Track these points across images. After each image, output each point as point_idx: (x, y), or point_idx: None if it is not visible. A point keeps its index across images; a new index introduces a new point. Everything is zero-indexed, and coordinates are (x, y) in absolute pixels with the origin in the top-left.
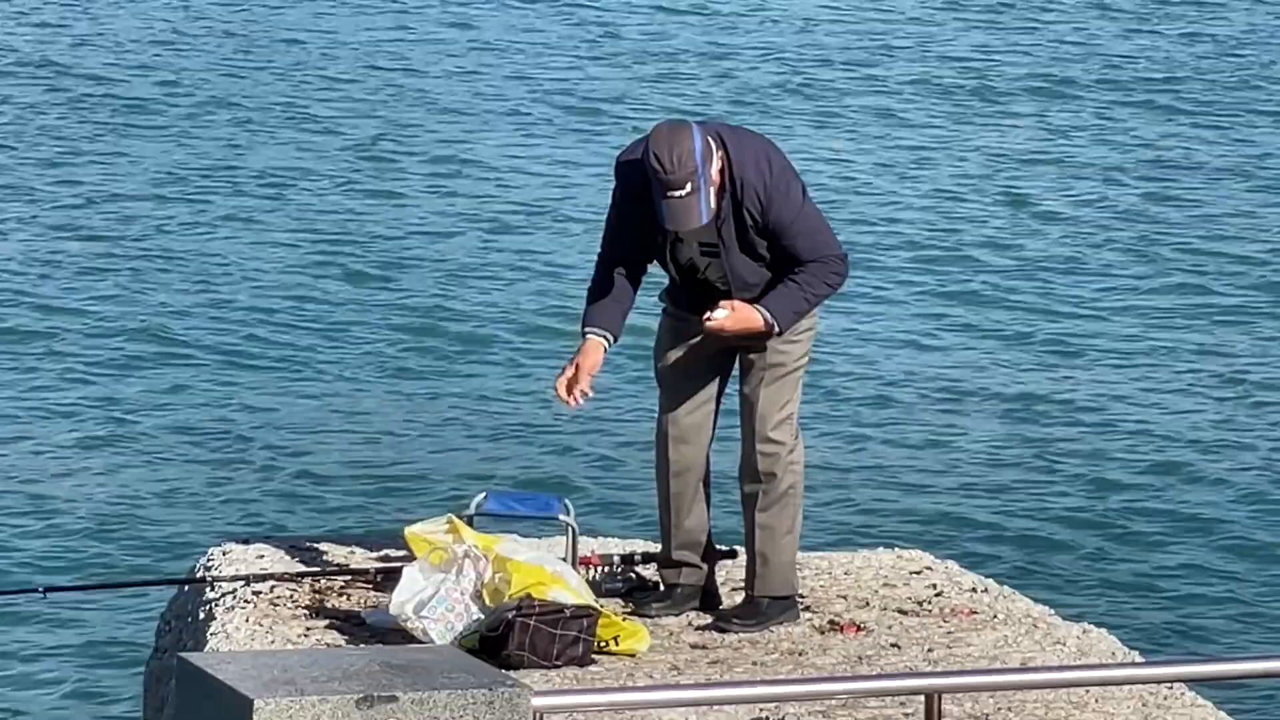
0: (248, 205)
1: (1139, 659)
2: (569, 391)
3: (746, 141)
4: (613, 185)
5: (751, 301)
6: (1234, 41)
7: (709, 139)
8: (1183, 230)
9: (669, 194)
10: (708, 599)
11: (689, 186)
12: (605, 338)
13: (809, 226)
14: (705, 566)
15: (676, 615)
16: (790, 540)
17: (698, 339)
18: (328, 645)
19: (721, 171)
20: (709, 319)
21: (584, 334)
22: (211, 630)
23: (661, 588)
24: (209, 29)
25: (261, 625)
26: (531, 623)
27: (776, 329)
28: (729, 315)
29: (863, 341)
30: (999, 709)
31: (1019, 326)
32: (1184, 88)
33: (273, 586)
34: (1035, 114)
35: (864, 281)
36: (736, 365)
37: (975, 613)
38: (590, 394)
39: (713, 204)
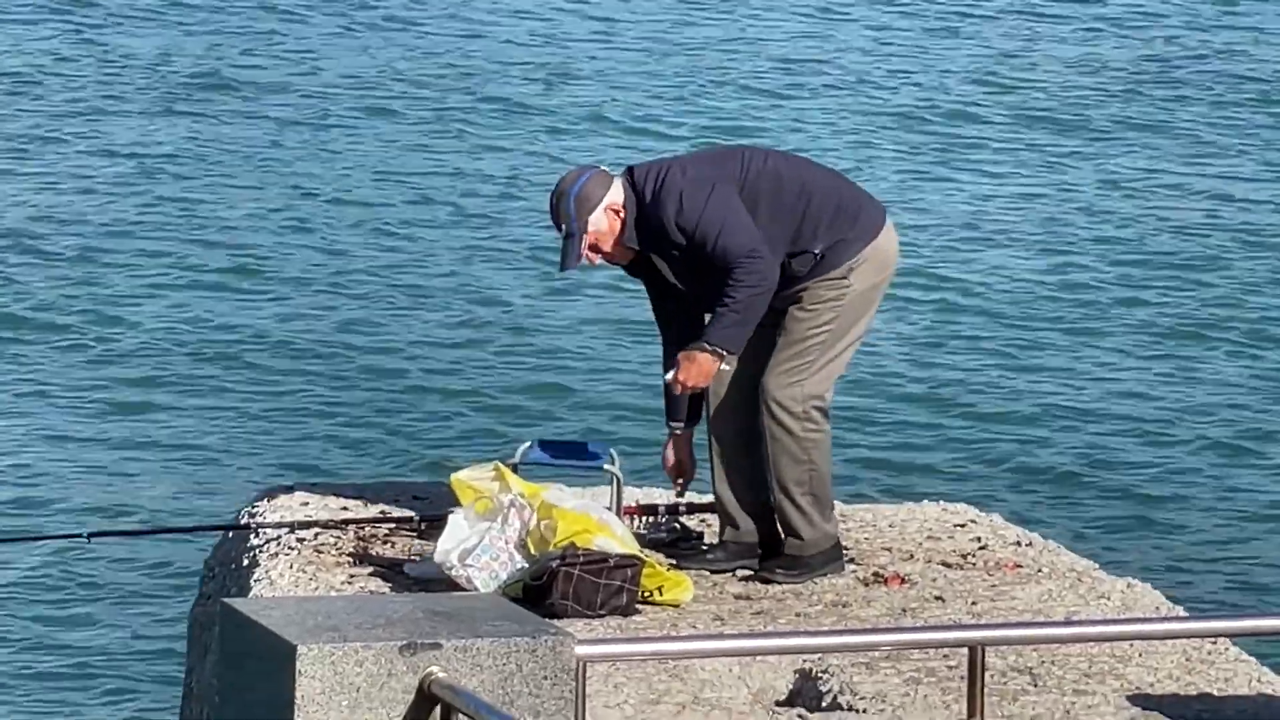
0: (304, 163)
1: (1183, 614)
2: (678, 477)
3: (668, 179)
4: None
5: (707, 312)
6: None
7: (602, 186)
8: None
9: (559, 234)
10: (760, 550)
11: (563, 229)
12: (681, 427)
13: (714, 233)
14: (753, 522)
15: (724, 569)
16: (805, 499)
17: None
18: (371, 592)
19: (621, 215)
20: (670, 380)
21: (669, 429)
22: (255, 576)
23: (706, 539)
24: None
25: (305, 572)
26: (575, 572)
27: (724, 352)
28: (682, 369)
29: (912, 297)
30: (1042, 662)
31: (1069, 289)
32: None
33: (317, 533)
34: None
35: (913, 241)
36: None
37: (1020, 566)
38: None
39: (582, 251)
